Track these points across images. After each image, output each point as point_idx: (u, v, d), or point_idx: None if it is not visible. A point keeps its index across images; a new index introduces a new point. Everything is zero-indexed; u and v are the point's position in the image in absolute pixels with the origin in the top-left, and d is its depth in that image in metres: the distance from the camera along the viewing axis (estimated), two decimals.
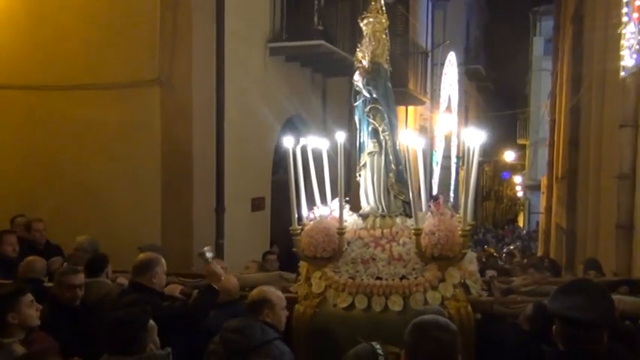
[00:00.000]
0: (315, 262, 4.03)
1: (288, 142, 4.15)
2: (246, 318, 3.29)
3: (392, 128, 4.24)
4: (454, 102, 20.29)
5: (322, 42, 8.44)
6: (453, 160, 23.26)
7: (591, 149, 9.42)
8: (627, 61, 6.33)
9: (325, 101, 10.11)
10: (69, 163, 7.13)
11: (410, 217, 4.06)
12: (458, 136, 23.58)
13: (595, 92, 9.15)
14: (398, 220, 4.24)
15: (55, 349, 2.89)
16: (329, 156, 4.43)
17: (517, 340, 3.49)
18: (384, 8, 4.40)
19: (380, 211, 4.30)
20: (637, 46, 6.17)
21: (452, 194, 23.97)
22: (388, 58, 4.41)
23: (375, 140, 4.26)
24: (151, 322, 2.69)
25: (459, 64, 22.11)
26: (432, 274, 3.81)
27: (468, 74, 26.64)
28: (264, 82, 8.33)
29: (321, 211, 4.21)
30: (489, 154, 35.46)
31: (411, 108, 16.91)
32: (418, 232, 3.78)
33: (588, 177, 9.67)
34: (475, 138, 3.71)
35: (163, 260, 3.94)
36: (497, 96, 35.38)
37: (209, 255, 3.89)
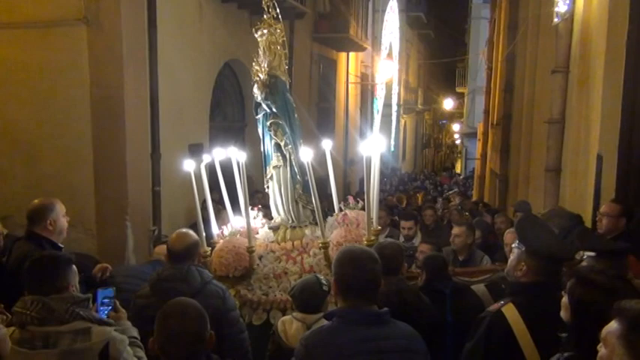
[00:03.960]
0: (229, 280, 4.04)
1: (188, 165, 4.10)
2: (178, 265, 3.23)
3: (294, 140, 4.25)
4: (395, 49, 20.29)
5: None
6: (394, 107, 23.49)
7: (525, 95, 9.69)
8: (560, 7, 6.45)
9: None
10: None
11: None
12: (399, 84, 23.75)
13: (530, 39, 9.33)
14: (307, 231, 4.34)
15: None
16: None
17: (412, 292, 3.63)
18: (280, 17, 4.34)
19: (290, 221, 4.37)
20: None
21: (392, 142, 24.36)
22: (286, 68, 4.39)
23: (279, 154, 4.30)
24: (74, 267, 2.61)
25: (400, 11, 22.03)
26: None
27: (409, 22, 26.63)
28: (200, 24, 8.00)
29: (235, 223, 4.26)
30: (429, 102, 36.04)
31: (352, 54, 16.81)
32: (326, 246, 3.86)
33: (521, 122, 9.98)
34: (374, 148, 3.76)
35: (59, 205, 3.73)
36: (437, 44, 35.63)
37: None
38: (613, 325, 1.71)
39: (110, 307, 2.80)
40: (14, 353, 2.16)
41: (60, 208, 3.73)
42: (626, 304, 1.73)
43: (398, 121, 25.36)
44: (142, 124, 6.67)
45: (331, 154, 4.14)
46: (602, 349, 1.74)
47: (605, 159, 5.07)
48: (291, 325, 3.10)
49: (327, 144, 4.01)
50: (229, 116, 9.79)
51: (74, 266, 2.61)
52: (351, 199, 4.26)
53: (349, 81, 16.83)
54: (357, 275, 2.33)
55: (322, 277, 3.33)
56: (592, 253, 2.99)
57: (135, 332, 2.78)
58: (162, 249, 4.30)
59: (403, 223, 6.46)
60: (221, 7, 8.56)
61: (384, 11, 19.48)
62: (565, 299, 2.18)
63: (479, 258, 5.41)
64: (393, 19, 19.70)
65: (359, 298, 2.34)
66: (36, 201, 3.74)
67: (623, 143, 4.91)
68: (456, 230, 5.40)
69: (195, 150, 7.74)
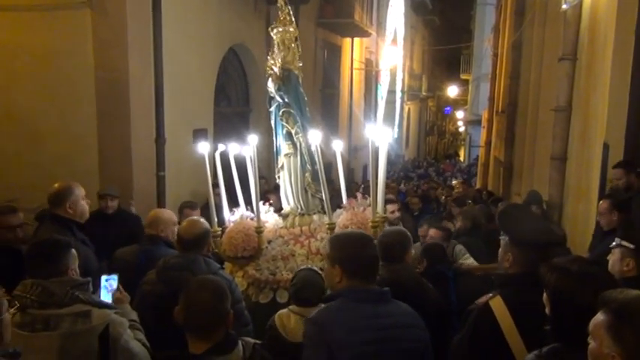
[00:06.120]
0: (238, 261, 4.15)
1: (203, 147, 4.16)
2: (185, 254, 3.24)
3: (304, 130, 4.37)
4: (400, 35, 20.11)
5: None
6: (398, 94, 23.37)
7: (531, 83, 9.62)
8: None
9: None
10: None
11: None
12: (403, 70, 23.60)
13: (537, 26, 9.25)
14: (315, 217, 4.45)
15: None
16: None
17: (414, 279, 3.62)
18: (293, 19, 4.52)
19: (299, 209, 4.49)
20: None
21: (396, 129, 24.27)
22: (299, 64, 4.52)
23: (290, 142, 4.42)
24: (73, 251, 2.63)
25: None
26: None
27: (413, 7, 26.41)
28: (204, 7, 7.94)
29: (242, 212, 4.34)
30: (433, 89, 35.86)
31: (357, 40, 16.71)
32: (332, 227, 3.95)
33: (527, 110, 9.93)
34: (382, 137, 3.81)
35: (78, 190, 3.80)
36: (442, 30, 35.36)
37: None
38: (599, 317, 1.68)
39: (114, 290, 2.85)
40: (15, 336, 2.17)
41: (79, 192, 3.80)
42: (610, 294, 1.70)
43: (402, 108, 25.24)
44: (147, 108, 6.66)
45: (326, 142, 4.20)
46: (591, 342, 1.71)
47: (611, 147, 5.04)
48: (289, 319, 3.10)
49: (337, 145, 4.05)
50: (234, 101, 9.75)
51: (73, 250, 2.62)
52: (359, 197, 4.30)
53: (353, 67, 16.74)
54: (363, 255, 2.42)
55: (316, 268, 3.35)
56: (630, 245, 2.90)
57: (134, 315, 2.81)
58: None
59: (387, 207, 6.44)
60: None
61: None
62: (545, 295, 2.14)
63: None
64: (397, 4, 19.50)
65: (364, 277, 2.40)
66: (56, 185, 3.82)
67: (630, 132, 4.89)
68: (431, 232, 5.20)
69: (200, 135, 7.73)
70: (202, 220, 3.42)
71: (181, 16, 7.31)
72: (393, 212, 6.31)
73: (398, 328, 2.37)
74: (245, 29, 9.12)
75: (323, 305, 3.13)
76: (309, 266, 3.42)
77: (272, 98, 4.48)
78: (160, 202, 6.78)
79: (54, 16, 6.38)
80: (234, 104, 9.78)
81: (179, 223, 3.73)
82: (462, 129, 38.42)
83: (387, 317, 2.37)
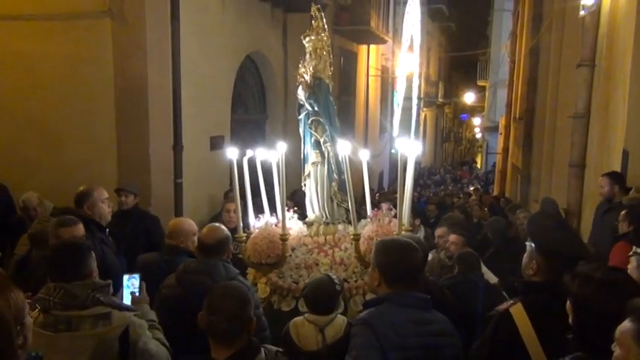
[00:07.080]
0: (261, 268, 4.15)
1: (232, 153, 4.15)
2: (205, 259, 3.27)
3: (333, 139, 4.37)
4: (416, 42, 20.10)
5: None
6: (414, 101, 23.31)
7: (549, 89, 9.55)
8: None
9: (286, 38, 9.84)
10: (18, 98, 6.81)
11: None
12: (419, 77, 23.55)
13: (554, 32, 9.19)
14: (340, 227, 4.45)
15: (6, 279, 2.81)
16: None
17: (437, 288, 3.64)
18: (325, 27, 4.53)
19: (324, 218, 4.49)
20: None
21: (412, 135, 24.18)
22: (330, 73, 4.53)
23: (318, 151, 4.43)
24: (94, 254, 2.67)
25: (422, 4, 21.78)
26: None
27: (430, 14, 26.40)
28: (222, 16, 8.02)
29: (267, 219, 4.34)
30: (449, 95, 35.71)
31: (373, 47, 16.72)
32: (357, 238, 3.93)
33: (545, 117, 9.85)
34: (411, 149, 3.81)
35: (97, 192, 3.96)
36: (459, 37, 35.29)
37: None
38: (627, 325, 1.66)
39: (136, 290, 2.92)
40: (39, 336, 2.21)
41: (98, 195, 3.97)
42: (639, 302, 1.68)
43: (418, 115, 25.19)
44: (165, 115, 6.73)
45: (353, 151, 4.14)
46: (616, 350, 1.69)
47: (631, 154, 4.99)
48: (303, 327, 3.09)
49: (364, 154, 4.03)
50: (251, 109, 9.81)
51: (94, 253, 2.66)
52: (384, 207, 4.30)
53: (370, 74, 16.75)
54: (406, 262, 2.45)
55: (334, 276, 3.33)
56: None
57: (153, 315, 2.85)
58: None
59: None
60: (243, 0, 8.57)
61: (405, 3, 19.26)
62: (569, 303, 2.12)
63: None
64: (414, 11, 19.50)
65: (407, 284, 2.42)
66: (80, 187, 4.03)
67: None
68: (452, 237, 5.05)
69: (217, 142, 7.79)
70: (223, 226, 3.46)
71: (199, 24, 7.38)
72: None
73: (441, 335, 2.39)
74: (262, 37, 9.19)
75: (336, 314, 3.15)
76: (327, 274, 3.42)
77: (301, 106, 4.47)
78: (178, 209, 6.84)
79: (75, 25, 6.50)
80: (251, 112, 9.84)
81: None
82: (478, 136, 38.18)
83: (431, 324, 2.39)
